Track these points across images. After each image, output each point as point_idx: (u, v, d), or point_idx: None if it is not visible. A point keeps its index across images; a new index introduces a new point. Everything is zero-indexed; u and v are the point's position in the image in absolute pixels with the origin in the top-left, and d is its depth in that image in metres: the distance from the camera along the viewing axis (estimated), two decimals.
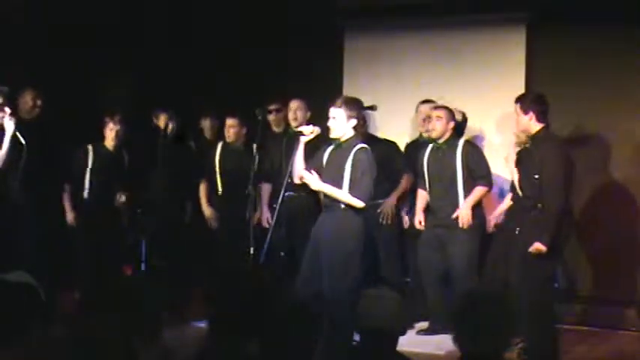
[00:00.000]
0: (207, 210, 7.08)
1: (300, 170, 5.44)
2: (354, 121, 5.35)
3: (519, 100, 5.56)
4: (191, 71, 7.94)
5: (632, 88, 7.02)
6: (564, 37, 7.20)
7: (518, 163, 5.82)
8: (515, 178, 5.67)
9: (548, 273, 5.49)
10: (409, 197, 6.69)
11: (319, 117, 5.77)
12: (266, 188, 6.92)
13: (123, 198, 6.82)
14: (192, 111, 7.56)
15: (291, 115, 6.71)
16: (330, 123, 5.38)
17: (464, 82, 7.37)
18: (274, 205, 6.48)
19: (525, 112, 5.45)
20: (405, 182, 6.64)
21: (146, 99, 7.48)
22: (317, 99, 6.44)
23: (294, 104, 6.71)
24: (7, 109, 6.02)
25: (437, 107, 6.38)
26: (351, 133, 5.37)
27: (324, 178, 5.41)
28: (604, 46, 7.05)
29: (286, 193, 6.17)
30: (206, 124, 7.53)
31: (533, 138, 5.52)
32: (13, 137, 6.01)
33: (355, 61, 7.94)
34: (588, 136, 7.16)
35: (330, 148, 5.44)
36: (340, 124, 5.33)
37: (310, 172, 5.40)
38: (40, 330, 2.53)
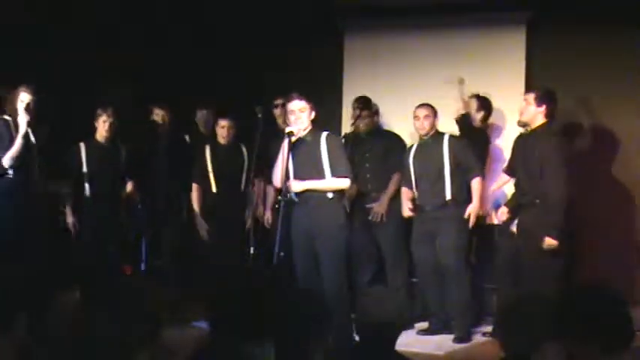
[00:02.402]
0: (200, 221, 6.91)
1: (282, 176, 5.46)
2: (314, 113, 5.47)
3: (534, 91, 5.60)
4: (191, 71, 7.94)
5: (633, 88, 7.02)
6: (564, 37, 7.20)
7: (516, 152, 5.85)
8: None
9: (554, 272, 5.48)
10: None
11: (319, 117, 5.77)
12: (269, 189, 6.92)
13: (129, 187, 6.79)
14: (192, 110, 7.57)
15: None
16: (298, 117, 5.44)
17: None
18: (276, 206, 6.49)
19: (539, 105, 5.50)
20: (394, 181, 6.60)
21: (146, 99, 7.47)
22: (317, 99, 6.43)
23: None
24: (28, 107, 6.02)
25: (422, 105, 6.30)
26: (310, 125, 5.47)
27: (298, 175, 5.45)
28: (604, 46, 7.06)
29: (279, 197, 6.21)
30: (202, 115, 7.50)
31: (535, 131, 5.54)
32: (26, 136, 6.01)
33: (355, 61, 7.94)
34: (588, 136, 7.16)
35: (294, 147, 5.42)
36: (307, 116, 5.45)
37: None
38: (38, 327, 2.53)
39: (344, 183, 5.42)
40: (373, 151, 6.66)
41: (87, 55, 7.35)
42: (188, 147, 7.29)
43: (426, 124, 6.21)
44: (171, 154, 7.00)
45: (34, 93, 6.09)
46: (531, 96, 5.56)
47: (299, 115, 5.43)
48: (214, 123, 7.22)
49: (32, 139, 6.09)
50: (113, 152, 6.72)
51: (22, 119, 6.01)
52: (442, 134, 6.26)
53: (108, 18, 7.58)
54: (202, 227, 6.90)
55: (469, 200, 6.16)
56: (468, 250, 6.31)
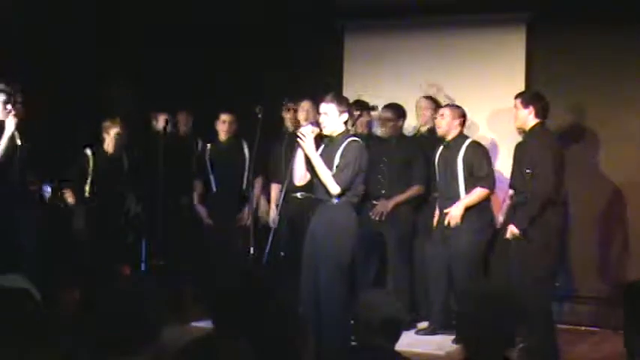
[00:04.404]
0: (200, 209, 7.13)
1: (300, 167, 5.45)
2: (345, 116, 5.39)
3: (520, 95, 5.65)
4: (191, 71, 7.94)
5: (632, 88, 7.02)
6: (564, 37, 7.20)
7: (514, 158, 5.86)
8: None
9: (547, 272, 5.49)
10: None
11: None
12: (274, 188, 6.90)
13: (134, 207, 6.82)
14: (192, 112, 7.60)
15: (302, 116, 6.66)
16: (321, 119, 5.40)
17: (464, 81, 7.37)
18: (276, 205, 6.50)
19: (525, 107, 5.55)
20: (411, 192, 6.61)
21: (146, 99, 7.48)
22: (317, 99, 6.44)
23: (305, 104, 6.67)
24: (10, 107, 5.89)
25: (443, 106, 6.40)
26: (342, 128, 5.42)
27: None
28: (604, 46, 7.05)
29: (294, 194, 6.20)
30: (181, 117, 7.53)
31: (529, 133, 5.59)
32: (12, 137, 5.90)
33: (355, 61, 7.94)
34: (588, 136, 7.16)
35: (322, 147, 5.45)
36: (332, 119, 5.36)
37: (307, 174, 5.44)
38: (36, 335, 2.51)
39: (333, 188, 5.26)
40: (393, 156, 6.62)
41: (86, 55, 7.35)
42: (186, 148, 7.31)
43: (443, 124, 6.21)
44: (169, 156, 7.01)
45: (16, 90, 5.95)
46: (518, 101, 5.62)
47: (323, 118, 5.40)
48: (193, 125, 7.30)
49: (18, 140, 5.96)
50: (118, 161, 6.74)
51: (10, 120, 5.87)
52: (465, 139, 6.23)
53: (108, 18, 7.58)
54: (204, 214, 7.07)
55: (484, 207, 6.15)
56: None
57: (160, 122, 7.11)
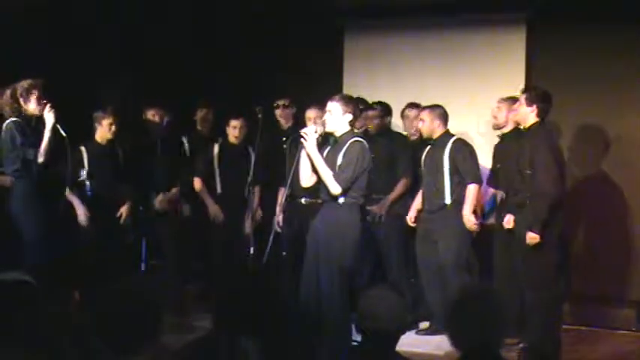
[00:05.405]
0: (212, 207, 6.98)
1: (306, 168, 5.45)
2: (349, 116, 5.39)
3: (526, 91, 5.64)
4: (191, 71, 7.94)
5: (632, 88, 7.02)
6: (564, 37, 7.20)
7: (497, 157, 5.87)
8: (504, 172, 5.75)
9: (548, 271, 5.49)
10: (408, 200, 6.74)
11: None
12: (281, 192, 6.88)
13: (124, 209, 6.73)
14: (191, 111, 7.57)
15: (309, 125, 6.62)
16: (325, 116, 5.43)
17: (464, 81, 7.38)
18: (277, 208, 6.49)
19: (529, 104, 5.55)
20: (401, 186, 6.67)
21: (145, 99, 7.47)
22: (317, 99, 6.43)
23: (311, 113, 6.49)
24: (45, 102, 5.81)
25: (421, 109, 6.43)
26: (346, 127, 5.41)
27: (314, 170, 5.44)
28: (604, 46, 7.06)
29: (299, 199, 6.19)
30: (201, 114, 7.50)
31: (527, 130, 5.60)
32: (54, 129, 5.79)
33: (355, 61, 7.95)
34: (588, 136, 7.16)
35: (329, 147, 5.46)
36: (336, 118, 5.38)
37: (312, 175, 5.43)
38: (39, 329, 2.53)
39: (334, 188, 5.27)
40: (380, 152, 6.64)
41: (85, 54, 7.35)
42: (185, 147, 7.29)
43: (424, 128, 6.25)
44: (169, 155, 6.99)
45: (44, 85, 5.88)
46: (523, 97, 5.62)
47: (327, 115, 5.42)
48: (214, 122, 7.23)
49: (62, 132, 5.84)
50: (112, 153, 6.67)
51: (49, 114, 5.79)
52: (450, 137, 6.24)
53: (108, 17, 7.58)
54: (215, 210, 6.94)
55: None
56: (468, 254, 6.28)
57: (154, 118, 7.09)
